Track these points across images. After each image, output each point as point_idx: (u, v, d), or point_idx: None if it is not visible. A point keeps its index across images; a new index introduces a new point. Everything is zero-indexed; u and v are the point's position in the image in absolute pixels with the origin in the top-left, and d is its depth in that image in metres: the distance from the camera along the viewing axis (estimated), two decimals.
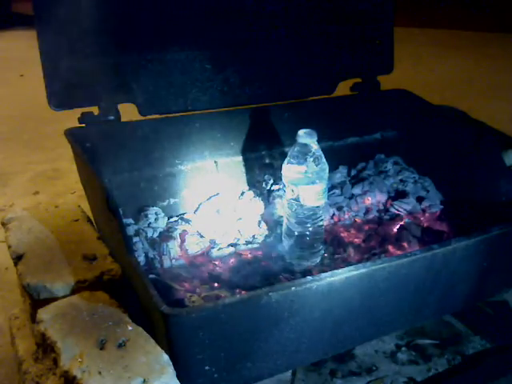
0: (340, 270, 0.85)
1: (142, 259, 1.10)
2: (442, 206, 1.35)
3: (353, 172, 1.46)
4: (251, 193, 1.33)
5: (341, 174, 1.43)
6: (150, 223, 1.20)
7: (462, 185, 1.33)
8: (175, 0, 1.23)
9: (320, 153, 1.10)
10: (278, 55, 1.37)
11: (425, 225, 1.29)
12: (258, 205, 1.29)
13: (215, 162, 1.33)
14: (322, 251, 1.17)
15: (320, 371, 1.18)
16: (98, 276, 0.97)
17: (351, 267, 0.86)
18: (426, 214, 1.32)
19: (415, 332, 1.30)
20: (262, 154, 1.38)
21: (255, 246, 1.20)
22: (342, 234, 1.26)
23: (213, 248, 1.18)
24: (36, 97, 1.39)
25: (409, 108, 1.48)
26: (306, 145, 1.08)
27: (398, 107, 1.49)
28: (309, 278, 0.84)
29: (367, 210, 1.34)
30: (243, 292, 1.02)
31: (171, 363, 0.78)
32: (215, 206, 1.28)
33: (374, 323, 0.97)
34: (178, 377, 0.78)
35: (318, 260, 1.16)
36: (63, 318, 0.86)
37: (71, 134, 1.15)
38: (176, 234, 1.18)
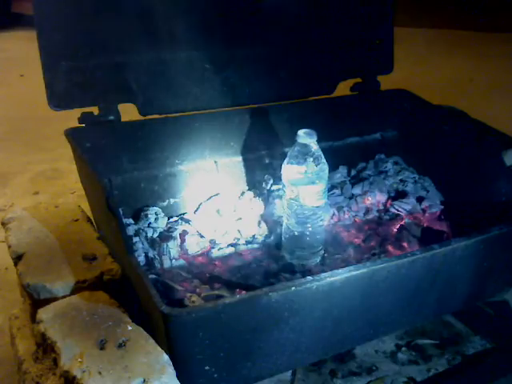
0: (340, 270, 0.85)
1: (141, 259, 1.10)
2: (442, 206, 1.35)
3: (353, 172, 1.46)
4: (251, 193, 1.33)
5: (341, 174, 1.43)
6: (150, 223, 1.20)
7: (462, 185, 1.33)
8: (175, 0, 1.23)
9: (320, 153, 1.10)
10: (278, 55, 1.37)
11: (425, 225, 1.29)
12: (258, 205, 1.29)
13: (215, 162, 1.33)
14: (322, 251, 1.17)
15: (320, 371, 1.18)
16: (97, 276, 0.97)
17: (351, 267, 0.86)
18: (426, 214, 1.32)
19: (415, 332, 1.30)
20: (262, 154, 1.38)
21: (255, 246, 1.20)
22: (342, 234, 1.26)
23: (213, 248, 1.18)
24: (36, 97, 1.39)
25: (409, 108, 1.48)
26: (305, 145, 1.08)
27: (398, 107, 1.49)
28: (309, 277, 0.84)
29: (367, 210, 1.34)
30: (243, 292, 1.02)
31: (171, 363, 0.78)
32: (215, 206, 1.28)
33: (374, 323, 0.97)
34: (178, 377, 0.78)
35: (318, 260, 1.16)
36: (63, 318, 0.86)
37: (71, 134, 1.15)
38: (176, 233, 1.18)
